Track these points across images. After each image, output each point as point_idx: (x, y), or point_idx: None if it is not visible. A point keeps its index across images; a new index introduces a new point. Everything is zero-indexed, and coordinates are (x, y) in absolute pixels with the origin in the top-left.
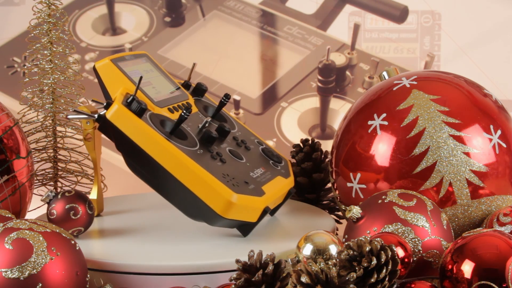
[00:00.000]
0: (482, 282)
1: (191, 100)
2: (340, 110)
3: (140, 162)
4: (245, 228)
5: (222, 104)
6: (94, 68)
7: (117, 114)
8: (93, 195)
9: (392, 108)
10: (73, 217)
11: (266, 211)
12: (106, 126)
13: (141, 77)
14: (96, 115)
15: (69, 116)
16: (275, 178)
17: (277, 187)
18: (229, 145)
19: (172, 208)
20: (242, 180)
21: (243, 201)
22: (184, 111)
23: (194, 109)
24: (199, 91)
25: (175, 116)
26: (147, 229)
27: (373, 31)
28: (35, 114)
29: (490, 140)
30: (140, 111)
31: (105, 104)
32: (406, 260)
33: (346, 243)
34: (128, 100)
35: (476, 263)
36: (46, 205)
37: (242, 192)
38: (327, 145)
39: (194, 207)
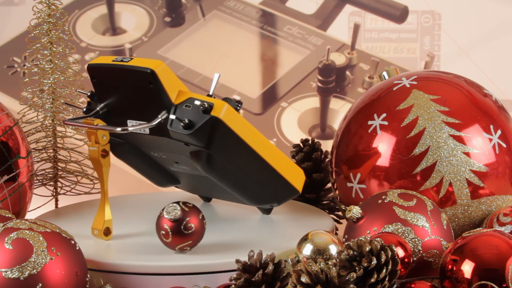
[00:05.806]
0: (482, 282)
1: None
2: (340, 110)
3: (235, 160)
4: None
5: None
6: (153, 73)
7: (229, 114)
8: (108, 215)
9: (392, 108)
10: (205, 226)
11: None
12: (206, 129)
13: (218, 75)
14: (185, 121)
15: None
16: None
17: None
18: None
19: None
20: None
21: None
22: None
23: None
24: None
25: None
26: (147, 229)
27: (373, 31)
28: (35, 114)
29: (490, 140)
30: (236, 108)
31: (209, 106)
32: (406, 260)
33: (346, 243)
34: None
35: (476, 263)
36: (44, 206)
37: None
38: (327, 145)
39: (274, 191)
